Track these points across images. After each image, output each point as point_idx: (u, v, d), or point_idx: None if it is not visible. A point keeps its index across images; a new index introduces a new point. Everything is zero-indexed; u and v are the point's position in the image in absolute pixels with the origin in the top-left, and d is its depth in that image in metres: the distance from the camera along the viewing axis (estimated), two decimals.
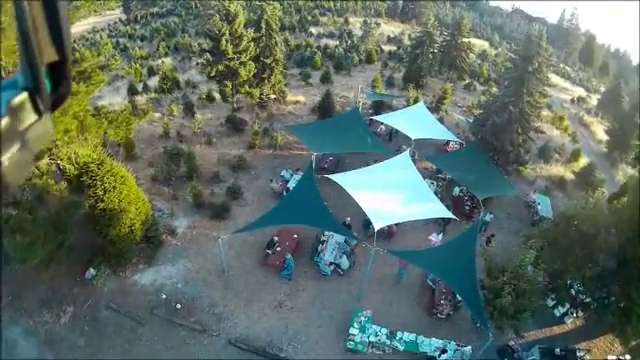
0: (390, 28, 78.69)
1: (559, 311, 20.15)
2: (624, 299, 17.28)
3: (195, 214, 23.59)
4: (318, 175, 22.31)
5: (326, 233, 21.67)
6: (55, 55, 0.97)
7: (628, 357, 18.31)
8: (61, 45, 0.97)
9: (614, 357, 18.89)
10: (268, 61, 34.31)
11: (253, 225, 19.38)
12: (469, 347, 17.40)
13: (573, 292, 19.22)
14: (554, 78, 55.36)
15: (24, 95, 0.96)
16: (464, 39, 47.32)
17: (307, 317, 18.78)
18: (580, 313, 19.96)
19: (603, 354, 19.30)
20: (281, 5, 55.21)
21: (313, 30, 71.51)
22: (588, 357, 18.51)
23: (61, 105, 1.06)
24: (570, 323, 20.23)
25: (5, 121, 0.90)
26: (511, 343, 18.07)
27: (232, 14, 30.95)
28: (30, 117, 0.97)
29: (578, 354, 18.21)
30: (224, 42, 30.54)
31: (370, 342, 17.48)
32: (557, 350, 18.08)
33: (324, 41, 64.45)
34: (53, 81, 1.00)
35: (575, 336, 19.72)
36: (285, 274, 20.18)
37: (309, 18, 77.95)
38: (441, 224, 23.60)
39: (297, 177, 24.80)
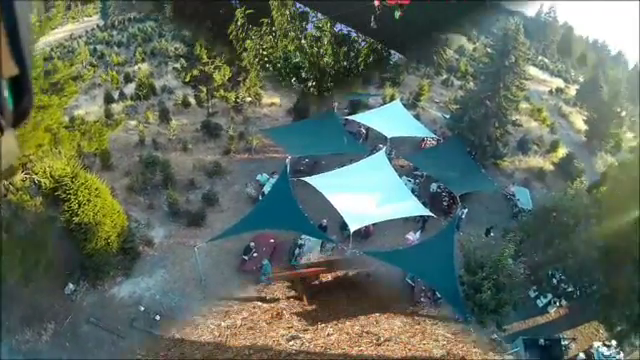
0: None
1: (542, 302, 20.18)
2: (607, 287, 17.33)
3: (171, 223, 23.35)
4: (294, 178, 22.08)
5: (303, 236, 21.47)
6: (15, 69, 0.87)
7: (614, 342, 18.33)
8: (21, 57, 0.86)
9: (599, 343, 18.93)
10: (243, 64, 33.99)
11: (228, 232, 19.25)
12: None
13: (555, 282, 19.25)
14: (532, 70, 55.37)
15: None
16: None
17: None
18: (563, 302, 20.02)
19: (589, 341, 19.43)
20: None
21: None
22: (573, 346, 18.56)
23: (25, 120, 0.97)
24: (554, 312, 20.28)
25: None
26: (493, 336, 18.08)
27: None
28: None
29: (562, 343, 18.28)
30: (198, 47, 30.24)
31: None
32: (541, 341, 18.16)
33: None
34: (15, 96, 0.90)
35: (560, 325, 19.81)
36: (263, 279, 19.99)
37: None
38: (420, 222, 23.44)
39: (273, 181, 24.53)
